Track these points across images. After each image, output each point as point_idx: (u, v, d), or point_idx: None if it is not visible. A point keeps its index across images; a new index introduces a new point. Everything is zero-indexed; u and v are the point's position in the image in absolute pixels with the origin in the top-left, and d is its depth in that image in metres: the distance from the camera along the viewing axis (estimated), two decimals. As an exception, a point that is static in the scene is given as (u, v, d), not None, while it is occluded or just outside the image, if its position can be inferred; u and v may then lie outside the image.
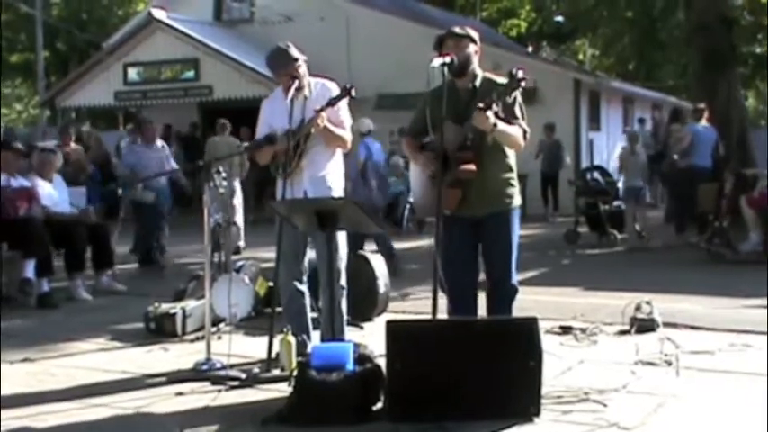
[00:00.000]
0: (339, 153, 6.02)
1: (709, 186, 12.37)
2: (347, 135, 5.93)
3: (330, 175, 5.91)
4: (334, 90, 5.86)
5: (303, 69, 5.89)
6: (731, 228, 11.53)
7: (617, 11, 25.35)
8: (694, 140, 12.75)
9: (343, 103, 5.89)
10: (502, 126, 5.13)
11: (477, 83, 5.37)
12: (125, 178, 11.89)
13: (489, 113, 5.03)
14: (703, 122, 13.06)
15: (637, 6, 25.10)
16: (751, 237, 10.89)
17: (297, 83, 5.81)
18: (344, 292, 5.76)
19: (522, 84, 5.04)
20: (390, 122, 18.93)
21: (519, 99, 5.34)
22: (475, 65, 5.39)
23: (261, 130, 6.02)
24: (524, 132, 5.33)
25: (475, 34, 5.42)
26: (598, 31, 29.98)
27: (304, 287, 5.97)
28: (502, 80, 5.26)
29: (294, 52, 5.88)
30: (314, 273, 6.13)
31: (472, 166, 5.23)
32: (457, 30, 5.39)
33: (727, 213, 11.75)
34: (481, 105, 5.03)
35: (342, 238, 5.73)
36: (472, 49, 5.36)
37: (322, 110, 5.65)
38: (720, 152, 13.31)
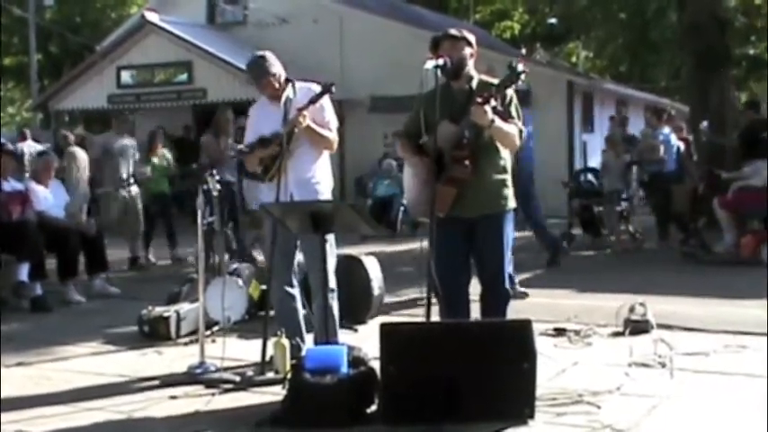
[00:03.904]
0: (326, 155, 5.99)
1: (683, 188, 12.47)
2: (333, 136, 5.89)
3: (316, 178, 5.88)
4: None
5: (281, 78, 5.86)
6: (708, 228, 11.58)
7: (610, 12, 25.37)
8: (666, 148, 12.82)
9: (328, 104, 5.88)
10: (499, 123, 5.12)
11: (474, 84, 5.37)
12: None
13: (487, 108, 5.03)
14: (665, 128, 13.07)
15: (630, 8, 25.14)
16: (725, 237, 10.95)
17: (277, 85, 5.81)
18: (335, 295, 5.76)
19: (522, 77, 5.04)
20: (384, 125, 18.95)
21: (515, 99, 5.35)
22: (470, 67, 5.39)
23: (249, 137, 6.02)
24: (520, 132, 5.33)
25: (471, 37, 5.41)
26: (591, 33, 30.01)
27: (295, 290, 5.97)
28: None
29: (270, 65, 5.83)
30: (305, 276, 6.12)
31: (468, 164, 5.22)
32: (453, 31, 5.39)
33: (701, 214, 11.84)
34: (480, 99, 5.03)
35: (332, 240, 5.72)
36: (468, 51, 5.35)
37: (304, 108, 5.63)
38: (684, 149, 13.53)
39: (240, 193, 10.81)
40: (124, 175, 11.22)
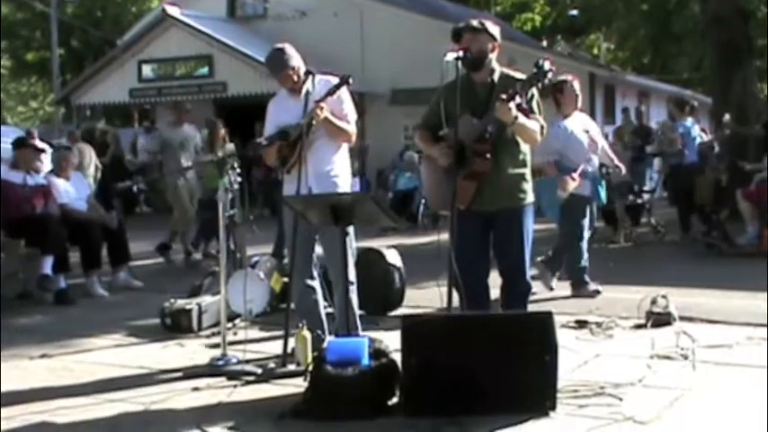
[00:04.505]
0: (345, 147, 5.99)
1: (705, 179, 12.41)
2: (351, 128, 5.88)
3: (335, 170, 5.89)
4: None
5: (300, 71, 5.87)
6: (731, 220, 11.51)
7: (632, 4, 25.26)
8: (684, 139, 12.76)
9: (347, 97, 5.88)
10: (522, 119, 5.13)
11: (495, 78, 5.36)
12: None
13: (512, 105, 5.02)
14: (687, 119, 13.02)
15: (652, -1, 25.04)
16: (748, 230, 10.88)
17: (297, 78, 5.83)
18: (354, 287, 5.76)
19: (549, 75, 5.04)
20: (404, 117, 18.96)
21: (536, 95, 5.34)
22: (492, 60, 5.37)
23: (268, 129, 6.02)
24: (542, 128, 5.33)
25: (495, 29, 5.39)
26: (613, 25, 29.89)
27: (315, 282, 5.97)
28: (521, 76, 5.26)
29: (289, 58, 5.84)
30: (325, 269, 6.13)
31: (489, 158, 5.23)
32: (474, 23, 5.38)
33: (724, 206, 11.78)
34: (504, 96, 5.02)
35: (351, 233, 5.72)
36: (490, 44, 5.34)
37: (322, 100, 5.64)
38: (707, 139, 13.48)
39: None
40: (185, 165, 11.10)
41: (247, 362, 5.65)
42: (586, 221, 8.22)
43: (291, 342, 5.54)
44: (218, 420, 4.62)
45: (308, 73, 5.88)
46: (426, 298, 7.41)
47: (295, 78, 5.84)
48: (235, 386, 5.24)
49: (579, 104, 8.08)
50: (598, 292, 8.01)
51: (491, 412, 4.42)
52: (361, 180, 11.55)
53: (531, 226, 5.50)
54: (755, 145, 13.01)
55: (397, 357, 4.64)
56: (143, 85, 21.34)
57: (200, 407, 4.91)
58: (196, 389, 5.23)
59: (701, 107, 17.08)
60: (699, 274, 9.19)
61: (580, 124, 8.12)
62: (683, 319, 6.67)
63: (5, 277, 8.65)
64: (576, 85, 7.97)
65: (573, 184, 7.86)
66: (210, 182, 11.34)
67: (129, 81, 21.41)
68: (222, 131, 11.74)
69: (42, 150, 9.31)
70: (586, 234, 8.27)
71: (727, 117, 13.56)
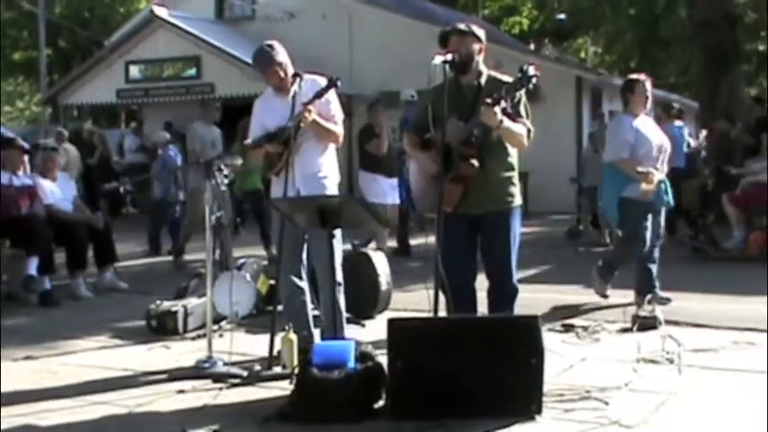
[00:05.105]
0: (332, 149, 5.99)
1: (691, 184, 12.46)
2: (339, 129, 5.89)
3: (323, 172, 5.89)
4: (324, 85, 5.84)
5: (287, 68, 5.86)
6: (717, 224, 11.56)
7: (619, 8, 25.32)
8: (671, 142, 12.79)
9: (334, 98, 5.88)
10: (508, 123, 5.13)
11: (483, 80, 5.37)
12: None
13: (497, 109, 5.03)
14: (676, 122, 13.04)
15: (639, 3, 25.09)
16: (734, 234, 10.92)
17: (283, 75, 5.82)
18: (341, 289, 5.75)
19: (534, 80, 5.04)
20: (391, 120, 18.92)
21: (524, 98, 5.35)
22: (479, 62, 5.39)
23: (254, 129, 6.02)
24: (528, 131, 5.33)
25: (480, 32, 5.42)
26: (600, 29, 29.96)
27: (303, 283, 5.96)
28: (507, 79, 5.27)
29: (276, 54, 5.85)
30: (313, 270, 6.12)
31: (475, 162, 5.23)
32: (461, 26, 5.41)
33: (710, 210, 11.82)
34: (489, 100, 5.03)
35: (338, 234, 5.71)
36: (476, 46, 5.35)
37: (309, 103, 5.63)
38: (693, 145, 13.51)
39: None
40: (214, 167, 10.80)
41: (233, 364, 5.63)
42: (648, 228, 7.59)
43: (277, 344, 5.52)
44: (203, 423, 4.60)
45: (295, 75, 5.87)
46: (413, 301, 7.41)
47: (281, 75, 5.83)
48: (220, 389, 5.22)
49: (649, 105, 7.74)
50: (606, 296, 7.82)
51: (477, 416, 4.42)
52: (401, 185, 11.28)
53: (518, 229, 5.51)
54: (741, 150, 13.06)
55: (384, 360, 4.63)
56: (130, 85, 21.28)
57: (185, 409, 4.89)
58: (181, 391, 5.21)
59: (688, 111, 17.14)
60: (685, 277, 9.20)
61: (650, 127, 7.74)
62: (668, 323, 6.68)
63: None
64: (648, 85, 7.59)
65: (656, 177, 7.48)
66: (246, 184, 11.30)
67: (116, 82, 21.34)
68: None
69: (26, 151, 9.27)
70: (657, 243, 7.74)
71: (703, 133, 13.66)
